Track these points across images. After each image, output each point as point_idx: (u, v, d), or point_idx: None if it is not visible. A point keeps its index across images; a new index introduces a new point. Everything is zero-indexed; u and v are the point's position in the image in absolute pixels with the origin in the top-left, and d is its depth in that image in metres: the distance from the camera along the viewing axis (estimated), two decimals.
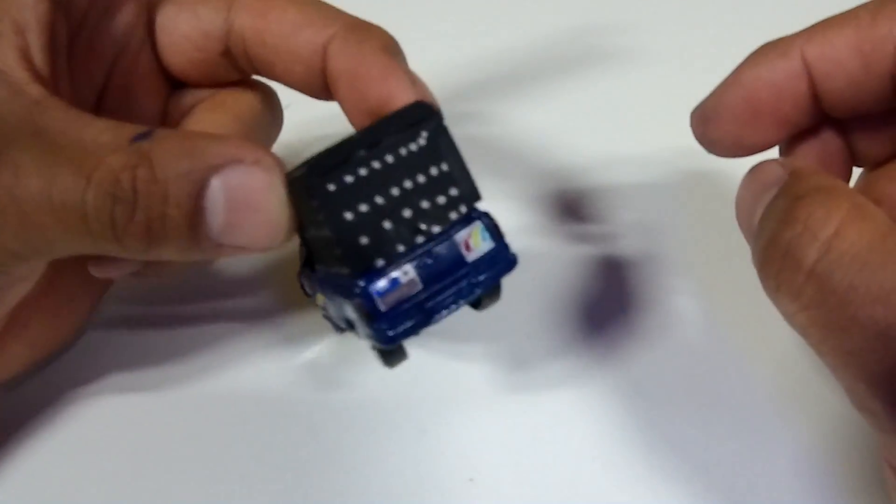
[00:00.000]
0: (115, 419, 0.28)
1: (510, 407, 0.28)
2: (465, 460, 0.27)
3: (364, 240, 0.21)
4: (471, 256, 0.22)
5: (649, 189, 0.34)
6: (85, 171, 0.21)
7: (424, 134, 0.22)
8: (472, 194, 0.22)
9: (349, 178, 0.21)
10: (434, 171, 0.22)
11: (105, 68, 0.28)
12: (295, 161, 0.22)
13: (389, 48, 0.25)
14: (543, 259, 0.32)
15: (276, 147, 0.30)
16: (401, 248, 0.21)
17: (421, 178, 0.22)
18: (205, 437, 0.28)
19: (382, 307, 0.21)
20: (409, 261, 0.22)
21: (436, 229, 0.22)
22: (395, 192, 0.21)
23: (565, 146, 0.36)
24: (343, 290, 0.22)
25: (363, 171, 0.21)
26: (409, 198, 0.22)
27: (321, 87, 0.26)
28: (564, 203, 0.34)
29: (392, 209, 0.21)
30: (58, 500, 0.27)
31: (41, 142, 0.22)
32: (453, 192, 0.22)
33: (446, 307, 0.22)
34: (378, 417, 0.28)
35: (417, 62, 0.26)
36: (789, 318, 0.20)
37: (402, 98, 0.24)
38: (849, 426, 0.26)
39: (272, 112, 0.30)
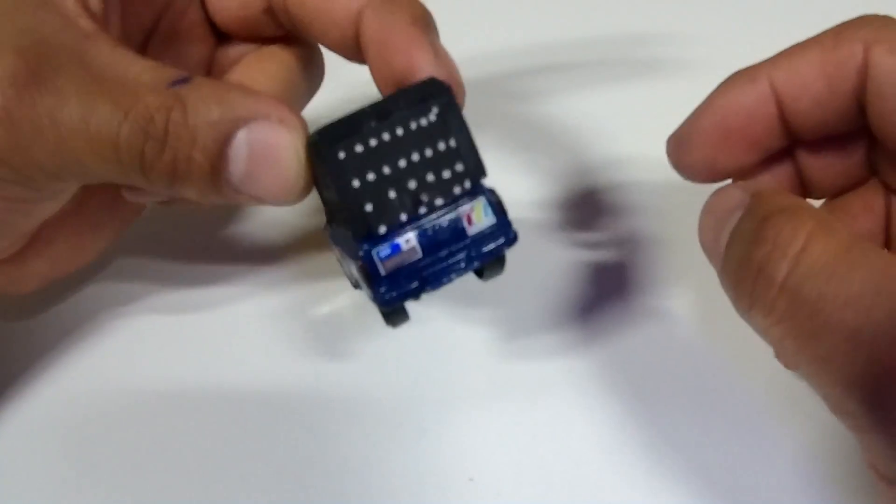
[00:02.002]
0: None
1: (510, 407, 0.28)
2: (465, 460, 0.27)
3: (369, 206, 0.22)
4: (472, 230, 0.23)
5: (655, 192, 0.34)
6: (123, 105, 0.22)
7: (435, 109, 0.23)
8: (477, 170, 0.23)
9: (359, 147, 0.22)
10: (442, 145, 0.23)
11: (155, 14, 0.29)
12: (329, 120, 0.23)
13: (419, 20, 0.25)
14: (545, 259, 0.32)
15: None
16: (403, 217, 0.23)
17: (428, 152, 0.23)
18: (204, 437, 0.28)
19: (383, 271, 0.23)
20: (412, 229, 0.23)
21: (439, 202, 0.23)
22: (402, 163, 0.23)
23: (580, 145, 0.37)
24: (349, 251, 0.23)
25: (373, 141, 0.22)
26: (415, 170, 0.23)
27: (355, 51, 0.27)
28: (568, 204, 0.34)
29: (398, 179, 0.23)
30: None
31: (86, 72, 0.23)
32: (459, 167, 0.23)
33: (445, 276, 0.23)
34: (378, 417, 0.28)
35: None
36: (764, 332, 0.21)
37: (424, 69, 0.24)
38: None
39: (311, 69, 0.31)
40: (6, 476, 0.28)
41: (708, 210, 0.24)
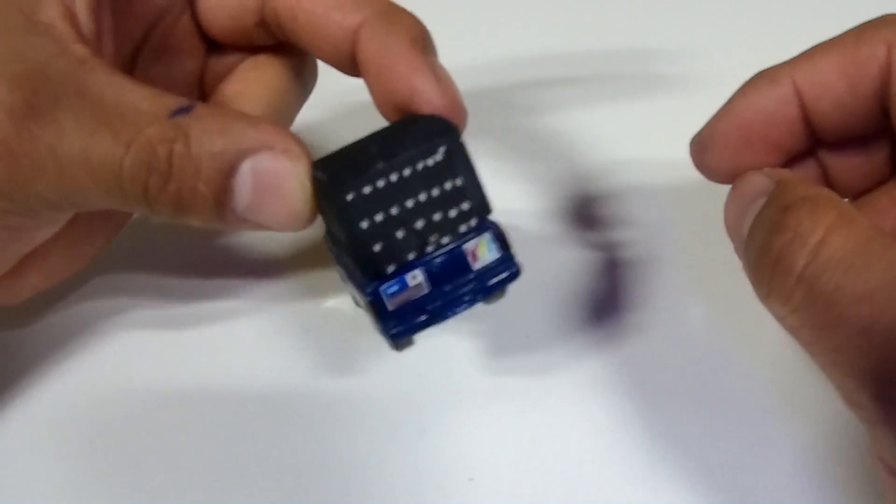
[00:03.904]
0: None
1: (510, 407, 0.28)
2: (465, 460, 0.27)
3: (377, 247, 0.23)
4: (477, 265, 0.24)
5: (661, 194, 0.34)
6: (124, 137, 0.22)
7: (442, 149, 0.23)
8: (482, 208, 0.24)
9: (367, 189, 0.22)
10: (448, 185, 0.23)
11: (145, 26, 0.28)
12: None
13: (418, 41, 0.25)
14: (545, 262, 0.32)
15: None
16: (411, 257, 0.23)
17: (435, 192, 0.23)
18: (203, 439, 0.28)
19: (390, 307, 0.23)
20: (418, 266, 0.23)
21: (445, 240, 0.24)
22: (409, 203, 0.23)
23: (583, 150, 0.37)
24: (356, 282, 0.24)
25: (380, 183, 0.23)
26: (422, 209, 0.23)
27: (350, 67, 0.26)
28: (573, 205, 0.35)
29: (406, 220, 0.23)
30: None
31: (84, 103, 0.23)
32: (465, 205, 0.24)
33: (450, 310, 0.24)
34: (378, 417, 0.28)
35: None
36: (781, 320, 0.21)
37: (426, 96, 0.24)
38: (850, 426, 0.27)
39: (305, 76, 0.30)
40: (8, 477, 0.27)
41: (733, 195, 0.24)
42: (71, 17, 0.24)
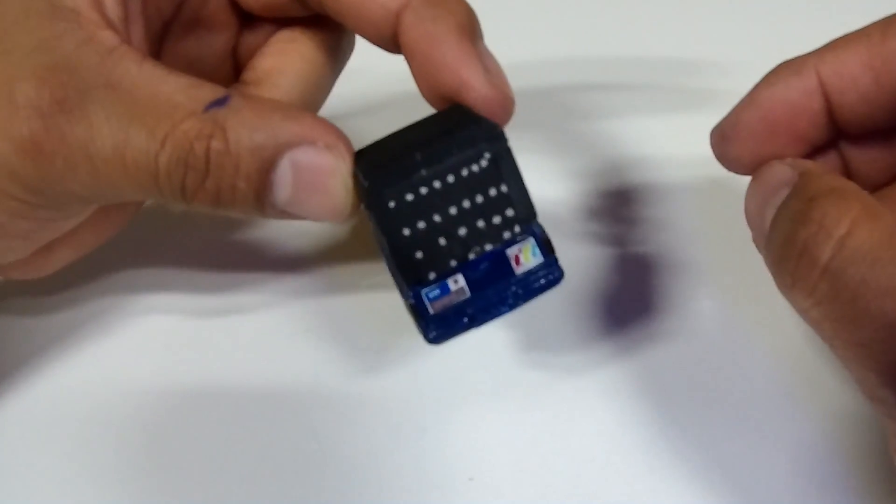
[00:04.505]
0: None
1: (510, 406, 0.28)
2: (465, 460, 0.27)
3: (419, 254, 0.23)
4: (519, 270, 0.24)
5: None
6: (159, 133, 0.22)
7: (487, 155, 0.23)
8: (528, 215, 0.23)
9: (409, 197, 0.22)
10: (493, 191, 0.23)
11: (175, 3, 0.28)
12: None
13: (465, 28, 0.24)
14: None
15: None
16: (453, 263, 0.23)
17: (479, 198, 0.23)
18: (203, 438, 0.28)
19: (432, 311, 0.23)
20: (460, 271, 0.23)
21: (488, 247, 0.23)
22: (452, 210, 0.23)
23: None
24: (397, 282, 0.24)
25: (423, 190, 0.22)
26: (465, 216, 0.23)
27: (391, 45, 0.26)
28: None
29: (448, 226, 0.23)
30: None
31: (114, 95, 0.22)
32: (509, 212, 0.23)
33: (491, 314, 0.24)
34: (378, 417, 0.28)
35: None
36: (803, 313, 0.21)
37: (475, 88, 0.24)
38: (857, 427, 0.27)
39: (341, 50, 0.30)
40: (12, 476, 0.27)
41: (755, 184, 0.24)
42: (97, 3, 0.23)
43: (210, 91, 0.22)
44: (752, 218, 0.23)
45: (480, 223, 0.23)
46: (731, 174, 0.25)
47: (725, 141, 0.25)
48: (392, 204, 0.22)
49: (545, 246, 0.24)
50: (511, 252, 0.24)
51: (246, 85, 0.29)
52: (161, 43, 0.28)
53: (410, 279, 0.23)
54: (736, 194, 0.25)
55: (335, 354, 0.30)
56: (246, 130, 0.22)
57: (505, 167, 0.23)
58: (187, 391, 0.29)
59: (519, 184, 0.23)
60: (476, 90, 0.24)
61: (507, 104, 0.24)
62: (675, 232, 0.33)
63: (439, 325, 0.24)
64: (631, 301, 0.31)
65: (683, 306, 0.31)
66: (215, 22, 0.29)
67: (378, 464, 0.27)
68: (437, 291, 0.23)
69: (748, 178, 0.25)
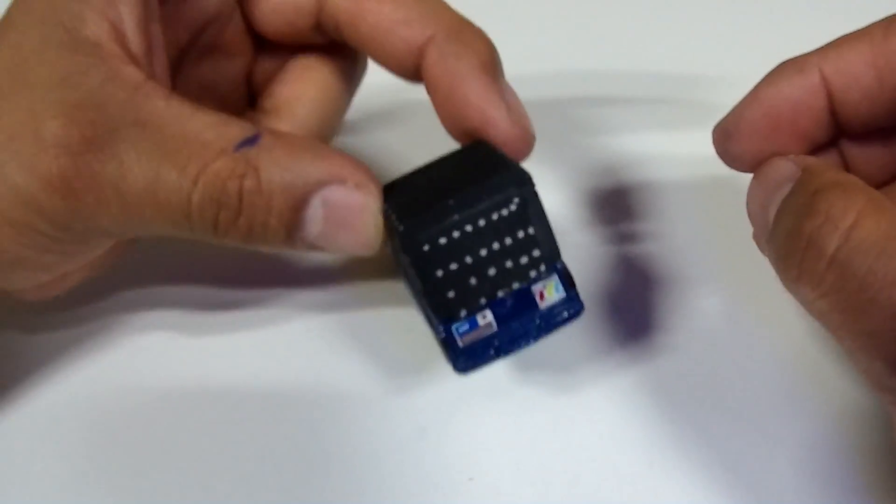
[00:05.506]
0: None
1: (510, 407, 0.28)
2: (465, 460, 0.27)
3: (451, 293, 0.24)
4: (543, 304, 0.25)
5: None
6: (191, 172, 0.22)
7: (516, 200, 0.24)
8: (553, 255, 0.25)
9: (443, 240, 0.23)
10: (521, 234, 0.24)
11: (193, 31, 0.28)
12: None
13: (488, 65, 0.25)
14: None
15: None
16: (483, 302, 0.24)
17: (508, 240, 0.24)
18: (203, 438, 0.28)
19: (461, 344, 0.25)
20: (489, 307, 0.24)
21: (515, 285, 0.24)
22: (483, 252, 0.24)
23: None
24: (427, 317, 0.25)
25: (456, 234, 0.23)
26: (494, 257, 0.24)
27: (412, 77, 0.26)
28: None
29: (478, 267, 0.24)
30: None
31: (144, 133, 0.22)
32: (535, 252, 0.24)
33: (516, 345, 0.25)
34: (378, 417, 0.28)
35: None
36: (809, 305, 0.21)
37: (498, 127, 0.25)
38: (860, 425, 0.27)
39: (356, 75, 0.30)
40: (9, 477, 0.27)
41: (758, 181, 0.24)
42: (119, 35, 0.23)
43: (239, 129, 0.23)
44: (755, 214, 0.24)
45: (508, 263, 0.24)
46: (733, 172, 0.26)
47: (728, 138, 0.25)
48: (426, 248, 0.23)
49: (567, 281, 0.25)
50: (536, 288, 0.25)
51: (266, 114, 0.29)
52: (177, 68, 0.28)
53: (442, 316, 0.24)
54: (738, 193, 0.25)
55: (335, 355, 0.30)
56: (277, 169, 0.22)
57: (532, 210, 0.24)
58: (184, 392, 0.29)
59: (545, 225, 0.24)
60: (499, 129, 0.25)
61: (528, 141, 0.25)
62: (677, 231, 0.33)
63: (468, 357, 0.25)
64: (632, 300, 0.31)
65: (685, 305, 0.31)
66: (232, 48, 0.29)
67: (378, 464, 0.27)
68: (466, 326, 0.24)
69: (750, 177, 0.25)
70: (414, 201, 0.24)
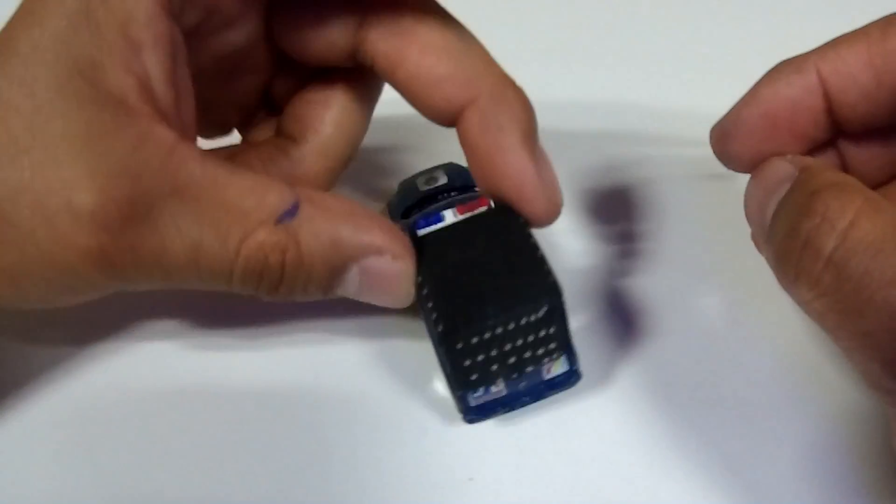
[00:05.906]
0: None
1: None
2: (465, 460, 0.27)
3: (474, 377, 0.26)
4: (548, 375, 0.27)
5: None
6: (232, 242, 0.22)
7: (545, 308, 0.25)
8: (567, 348, 0.27)
9: (475, 340, 0.25)
10: (543, 333, 0.26)
11: (215, 60, 0.27)
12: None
13: (528, 138, 0.26)
14: (555, 252, 0.32)
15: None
16: (501, 383, 0.27)
17: (531, 338, 0.26)
18: (203, 437, 0.28)
19: (473, 403, 0.27)
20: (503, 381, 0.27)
21: (529, 369, 0.27)
22: (507, 347, 0.26)
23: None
24: (443, 369, 0.26)
25: (487, 335, 0.25)
26: (516, 350, 0.26)
27: (445, 125, 0.27)
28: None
29: (501, 357, 0.26)
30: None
31: (182, 203, 0.22)
32: (552, 345, 0.26)
33: (519, 404, 0.28)
34: (378, 417, 0.28)
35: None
36: (806, 305, 0.21)
37: (530, 204, 0.26)
38: (859, 424, 0.27)
39: (375, 95, 0.30)
40: (10, 478, 0.27)
41: (756, 181, 0.24)
42: (146, 90, 0.22)
43: (277, 195, 0.23)
44: (753, 214, 0.24)
45: (527, 354, 0.26)
46: (732, 172, 0.26)
47: (726, 138, 0.25)
48: (460, 345, 0.25)
49: (572, 358, 0.27)
50: (545, 367, 0.27)
51: (294, 143, 0.29)
52: (195, 79, 0.26)
53: (461, 389, 0.26)
54: (735, 192, 0.25)
55: (336, 355, 0.30)
56: (317, 241, 0.23)
57: (557, 317, 0.26)
58: (184, 393, 0.29)
59: (565, 328, 0.26)
60: (533, 206, 0.26)
61: (556, 214, 0.26)
62: (675, 230, 0.33)
63: (477, 413, 0.27)
64: (631, 300, 0.31)
65: (684, 305, 0.31)
66: (254, 69, 0.29)
67: (378, 464, 0.27)
68: (480, 393, 0.27)
69: (748, 177, 0.25)
70: (452, 296, 0.25)
